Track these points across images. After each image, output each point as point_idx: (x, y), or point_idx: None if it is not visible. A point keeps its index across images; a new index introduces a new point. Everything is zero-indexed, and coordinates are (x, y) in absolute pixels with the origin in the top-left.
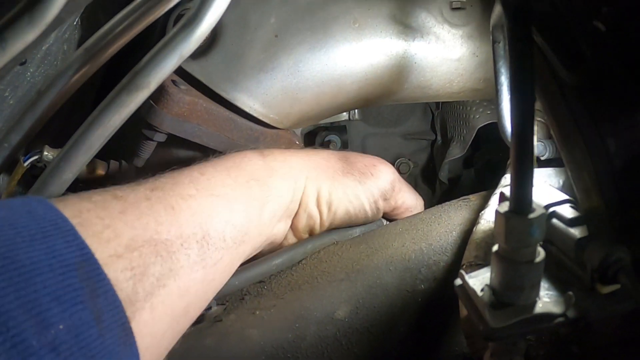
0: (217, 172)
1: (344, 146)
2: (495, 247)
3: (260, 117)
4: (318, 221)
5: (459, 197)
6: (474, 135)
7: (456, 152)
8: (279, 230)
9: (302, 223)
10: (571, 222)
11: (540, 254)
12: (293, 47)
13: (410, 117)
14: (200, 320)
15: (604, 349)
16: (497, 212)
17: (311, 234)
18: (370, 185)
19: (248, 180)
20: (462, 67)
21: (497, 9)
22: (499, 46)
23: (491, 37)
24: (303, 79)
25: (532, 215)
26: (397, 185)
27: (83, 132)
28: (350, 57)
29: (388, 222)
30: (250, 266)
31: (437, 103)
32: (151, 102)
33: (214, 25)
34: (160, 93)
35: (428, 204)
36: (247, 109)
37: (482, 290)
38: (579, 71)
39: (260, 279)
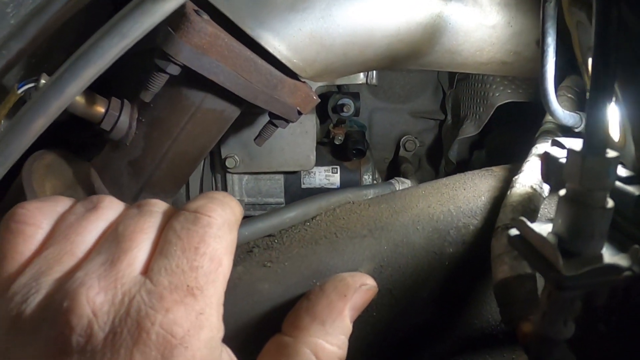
0: None
1: (357, 113)
2: (562, 192)
3: (284, 60)
4: None
5: None
6: (491, 113)
7: (470, 130)
8: None
9: None
10: (628, 180)
11: (610, 202)
12: None
13: (421, 95)
14: None
15: (631, 328)
16: (571, 151)
17: None
18: None
19: None
20: (495, 36)
21: None
22: (550, 5)
23: None
24: (334, 25)
25: (609, 155)
26: None
27: (97, 40)
28: (384, 8)
29: (399, 185)
30: (261, 217)
31: (451, 81)
32: (169, 28)
33: None
34: (180, 20)
35: None
36: (271, 49)
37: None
38: None
39: (270, 232)
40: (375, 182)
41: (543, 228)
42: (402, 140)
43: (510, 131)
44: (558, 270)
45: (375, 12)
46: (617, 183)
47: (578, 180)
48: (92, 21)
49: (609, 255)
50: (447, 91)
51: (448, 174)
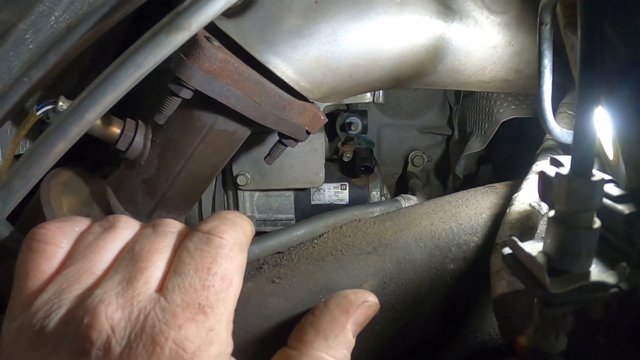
0: None
1: (364, 130)
2: (551, 213)
3: (292, 84)
4: None
5: None
6: (496, 129)
7: (476, 146)
8: None
9: None
10: (618, 199)
11: (597, 221)
12: (333, 15)
13: (428, 111)
14: None
15: (630, 340)
16: (558, 174)
17: None
18: None
19: None
20: (496, 55)
21: None
22: (546, 28)
23: (538, 19)
24: (339, 49)
25: (594, 178)
26: None
27: (113, 70)
28: (388, 32)
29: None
30: (270, 235)
31: (457, 97)
32: (181, 55)
33: None
34: (192, 46)
35: None
36: (279, 74)
37: (535, 257)
38: (636, 47)
39: (279, 250)
40: (383, 197)
41: (535, 247)
42: (410, 155)
43: (515, 146)
44: (545, 287)
45: (379, 36)
46: (608, 202)
47: (565, 202)
48: (105, 43)
49: (597, 272)
50: (453, 107)
51: (456, 188)
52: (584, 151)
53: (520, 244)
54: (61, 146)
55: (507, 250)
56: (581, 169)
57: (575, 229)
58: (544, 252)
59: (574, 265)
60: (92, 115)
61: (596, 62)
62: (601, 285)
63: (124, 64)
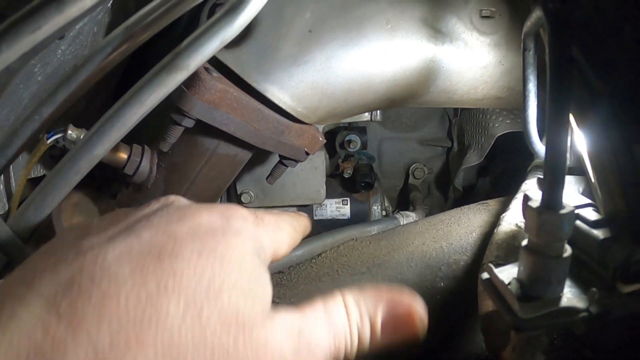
0: None
1: (364, 147)
2: (524, 242)
3: (289, 110)
4: None
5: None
6: (492, 143)
7: (473, 159)
8: None
9: None
10: (594, 224)
11: (568, 250)
12: (326, 43)
13: (428, 123)
14: None
15: (616, 353)
16: (529, 207)
17: None
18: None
19: None
20: (487, 75)
21: (534, 17)
22: (529, 54)
23: (522, 45)
24: (333, 75)
25: (563, 211)
26: None
27: (119, 108)
28: (381, 57)
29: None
30: None
31: (455, 111)
32: (183, 87)
33: (257, 12)
34: (192, 79)
35: (440, 211)
36: (276, 101)
37: (509, 283)
38: (610, 80)
39: (279, 270)
40: (384, 211)
41: (511, 272)
42: (411, 168)
43: (512, 159)
44: (515, 313)
45: (372, 61)
46: (584, 226)
47: (535, 233)
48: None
49: (570, 297)
50: (452, 119)
51: (456, 199)
52: (553, 184)
53: (495, 270)
54: (72, 179)
55: (485, 275)
56: (551, 202)
57: (545, 258)
58: (517, 278)
59: (545, 292)
60: (100, 150)
61: (564, 86)
62: (571, 310)
63: (128, 102)
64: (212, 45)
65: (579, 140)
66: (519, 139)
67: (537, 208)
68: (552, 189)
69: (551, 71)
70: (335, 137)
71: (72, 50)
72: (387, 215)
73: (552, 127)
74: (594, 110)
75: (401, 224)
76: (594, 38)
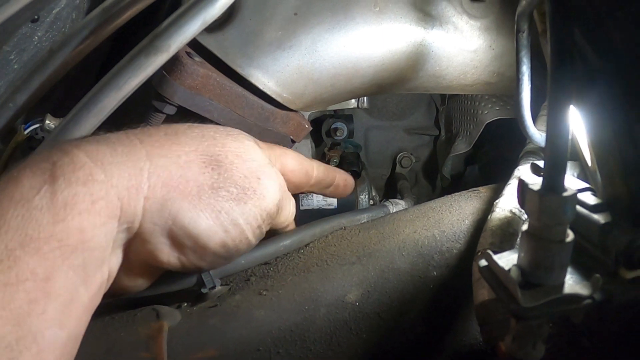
0: None
1: (350, 135)
2: (525, 227)
3: (274, 96)
4: (177, 263)
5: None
6: (481, 130)
7: (462, 147)
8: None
9: (143, 274)
10: (594, 208)
11: (570, 234)
12: (312, 27)
13: (415, 111)
14: (202, 298)
15: (614, 342)
16: (530, 190)
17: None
18: (252, 207)
19: None
20: (477, 59)
21: None
22: (523, 35)
23: (515, 26)
24: (320, 60)
25: (565, 194)
26: (284, 204)
27: (95, 93)
28: (368, 41)
29: (392, 207)
30: (257, 246)
31: (443, 98)
32: (163, 72)
33: None
34: (173, 64)
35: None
36: (261, 86)
37: (509, 270)
38: (609, 58)
39: (266, 260)
40: (371, 200)
41: (511, 258)
42: (398, 157)
43: (501, 147)
44: (517, 301)
45: (359, 45)
46: (584, 211)
47: (537, 217)
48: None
49: (572, 284)
50: (439, 107)
51: (444, 188)
52: (555, 166)
53: (494, 257)
54: None
55: (483, 263)
56: (552, 185)
57: (547, 242)
58: (517, 265)
59: (547, 278)
60: (76, 137)
61: (566, 68)
62: (574, 298)
63: (105, 86)
64: (194, 26)
65: (575, 123)
66: (508, 125)
67: (539, 191)
68: (554, 171)
69: (552, 51)
70: (321, 125)
71: (49, 37)
72: (375, 204)
73: (554, 108)
74: (593, 90)
75: (391, 212)
76: (591, 15)
